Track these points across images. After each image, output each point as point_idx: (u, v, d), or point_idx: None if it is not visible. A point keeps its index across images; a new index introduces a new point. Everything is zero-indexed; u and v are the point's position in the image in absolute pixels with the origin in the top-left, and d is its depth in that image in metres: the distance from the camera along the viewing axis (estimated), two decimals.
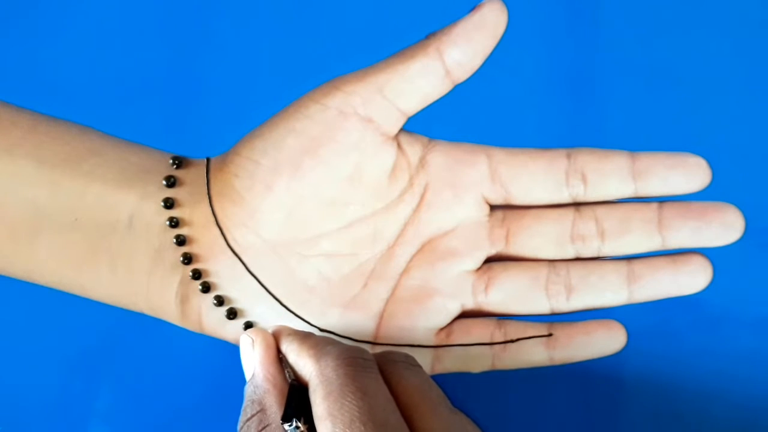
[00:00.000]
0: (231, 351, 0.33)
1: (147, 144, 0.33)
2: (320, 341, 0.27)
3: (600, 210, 0.32)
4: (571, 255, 0.32)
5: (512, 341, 0.32)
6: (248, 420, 0.26)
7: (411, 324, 0.32)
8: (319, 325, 0.32)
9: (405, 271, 0.32)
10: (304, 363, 0.26)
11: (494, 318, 0.33)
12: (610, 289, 0.31)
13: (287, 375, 0.27)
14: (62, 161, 0.31)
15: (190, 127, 0.53)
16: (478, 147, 0.32)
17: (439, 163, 0.32)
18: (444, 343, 0.32)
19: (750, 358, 0.48)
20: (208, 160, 0.32)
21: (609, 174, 0.31)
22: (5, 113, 0.32)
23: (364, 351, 0.26)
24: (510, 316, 0.33)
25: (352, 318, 0.32)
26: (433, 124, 0.33)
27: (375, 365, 0.26)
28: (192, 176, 0.32)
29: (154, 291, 0.31)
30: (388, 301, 0.32)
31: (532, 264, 0.32)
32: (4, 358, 0.49)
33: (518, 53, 0.51)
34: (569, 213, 0.32)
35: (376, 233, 0.32)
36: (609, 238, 0.31)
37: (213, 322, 0.32)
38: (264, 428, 0.25)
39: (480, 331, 0.32)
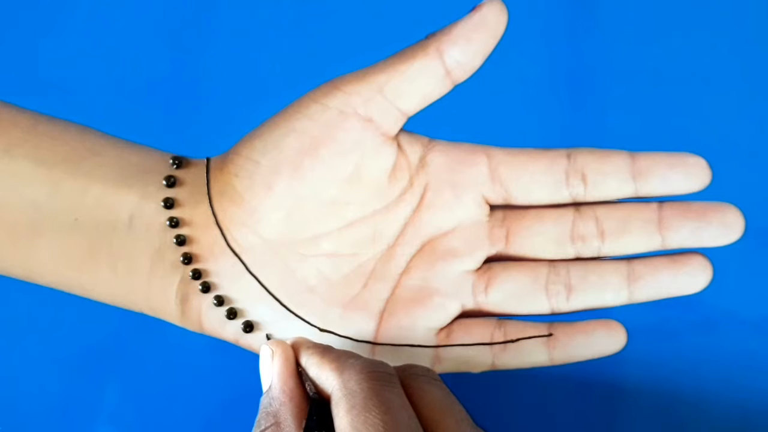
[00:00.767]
0: (238, 354, 0.33)
1: (147, 144, 0.33)
2: (342, 354, 0.27)
3: (600, 210, 0.32)
4: (571, 255, 0.32)
5: (512, 341, 0.32)
6: None
7: (411, 324, 0.32)
8: (319, 325, 0.32)
9: (405, 271, 0.32)
10: (326, 376, 0.26)
11: (494, 318, 0.33)
12: (610, 289, 0.31)
13: (308, 388, 0.26)
14: (62, 161, 0.31)
15: (190, 127, 0.53)
16: (478, 147, 0.32)
17: (439, 163, 0.32)
18: (444, 343, 0.32)
19: (750, 358, 0.48)
20: (208, 160, 0.32)
21: (609, 174, 0.31)
22: (5, 113, 0.32)
23: (386, 365, 0.26)
24: (510, 316, 0.33)
25: (352, 318, 0.32)
26: (433, 124, 0.32)
27: (397, 379, 0.26)
28: (192, 176, 0.32)
29: (154, 291, 0.31)
30: (388, 301, 0.32)
31: (532, 264, 0.32)
32: (10, 359, 0.49)
33: (518, 53, 0.51)
34: (569, 213, 0.32)
35: (376, 233, 0.32)
36: (609, 238, 0.31)
37: (213, 322, 0.32)
38: None
39: (480, 331, 0.32)
